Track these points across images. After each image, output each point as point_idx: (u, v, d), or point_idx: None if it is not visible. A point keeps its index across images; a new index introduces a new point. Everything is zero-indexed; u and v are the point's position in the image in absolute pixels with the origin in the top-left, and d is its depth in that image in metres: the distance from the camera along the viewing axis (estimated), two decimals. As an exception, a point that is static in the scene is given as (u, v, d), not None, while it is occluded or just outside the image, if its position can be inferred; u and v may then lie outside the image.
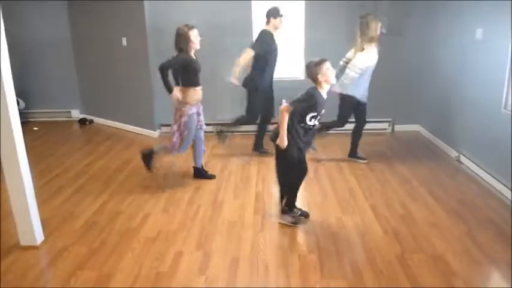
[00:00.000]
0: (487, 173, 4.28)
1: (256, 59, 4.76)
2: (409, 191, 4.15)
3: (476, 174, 4.47)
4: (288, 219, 3.54)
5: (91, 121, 7.04)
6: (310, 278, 2.85)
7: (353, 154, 4.91)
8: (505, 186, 3.97)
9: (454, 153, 4.97)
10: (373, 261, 3.01)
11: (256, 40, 4.85)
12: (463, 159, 4.77)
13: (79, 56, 6.87)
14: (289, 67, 5.98)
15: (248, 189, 4.30)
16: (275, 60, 4.95)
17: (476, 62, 4.49)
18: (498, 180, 4.09)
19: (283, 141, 3.28)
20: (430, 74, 5.62)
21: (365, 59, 4.45)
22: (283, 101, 3.28)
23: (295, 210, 3.60)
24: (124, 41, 6.08)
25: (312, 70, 3.27)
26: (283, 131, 3.26)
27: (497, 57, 4.09)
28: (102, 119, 6.97)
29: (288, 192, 3.61)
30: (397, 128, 6.12)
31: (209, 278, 2.86)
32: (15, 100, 3.07)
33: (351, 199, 4.02)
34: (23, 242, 3.27)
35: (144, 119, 6.27)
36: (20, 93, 6.58)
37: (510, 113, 3.92)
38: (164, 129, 6.17)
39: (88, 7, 6.33)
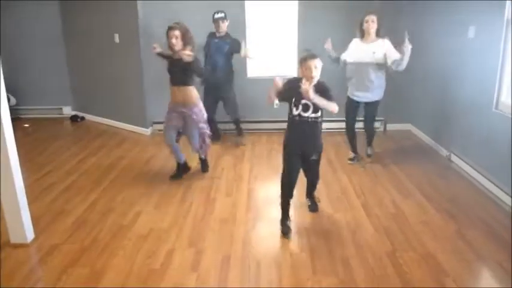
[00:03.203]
0: (478, 172, 4.31)
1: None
2: (401, 190, 4.17)
3: (467, 173, 4.50)
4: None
5: (82, 118, 6.99)
6: (302, 275, 2.86)
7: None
8: (495, 185, 4.00)
9: (445, 152, 5.01)
10: (364, 259, 3.02)
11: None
12: (454, 158, 4.81)
13: (71, 52, 6.82)
14: (282, 66, 5.99)
15: (240, 186, 4.30)
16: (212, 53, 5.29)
17: (468, 61, 4.51)
18: (489, 180, 4.12)
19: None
20: (422, 73, 5.64)
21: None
22: (277, 77, 3.27)
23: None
24: (116, 38, 6.05)
25: (300, 60, 3.23)
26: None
27: (489, 56, 4.12)
28: (94, 116, 6.92)
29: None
30: (389, 127, 6.14)
31: (201, 276, 2.86)
32: (6, 96, 3.05)
33: (343, 197, 4.03)
34: (14, 239, 3.25)
35: (136, 117, 6.25)
36: (11, 90, 6.54)
37: (501, 112, 3.95)
38: (156, 126, 6.15)
39: (80, 3, 6.28)
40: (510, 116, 3.78)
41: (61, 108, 7.18)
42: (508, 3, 3.82)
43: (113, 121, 6.62)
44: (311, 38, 5.85)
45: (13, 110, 6.67)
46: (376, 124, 5.75)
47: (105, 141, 5.87)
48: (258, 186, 4.35)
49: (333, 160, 4.97)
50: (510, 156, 3.71)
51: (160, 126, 6.09)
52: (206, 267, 2.96)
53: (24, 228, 3.24)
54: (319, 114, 3.26)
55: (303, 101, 3.21)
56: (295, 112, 3.27)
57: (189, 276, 2.86)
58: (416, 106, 5.91)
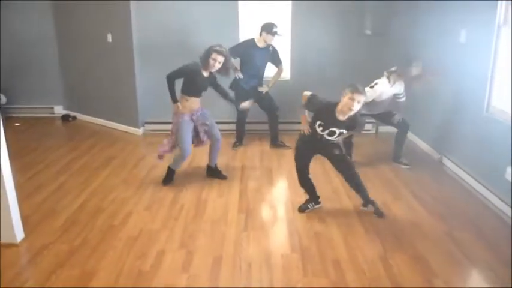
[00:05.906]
0: (469, 174, 4.34)
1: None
2: (392, 192, 4.18)
3: (457, 175, 4.53)
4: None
5: (74, 117, 6.93)
6: (293, 277, 2.86)
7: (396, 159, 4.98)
8: (486, 187, 4.02)
9: (436, 155, 5.03)
10: (356, 260, 3.03)
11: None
12: (445, 160, 4.84)
13: (63, 51, 6.77)
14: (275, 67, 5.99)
15: (232, 187, 4.29)
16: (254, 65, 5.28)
17: (460, 64, 4.54)
18: (479, 182, 4.14)
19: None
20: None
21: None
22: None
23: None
24: (109, 37, 6.02)
25: (348, 87, 3.35)
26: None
27: (480, 60, 4.14)
28: (85, 116, 6.87)
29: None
30: (381, 129, 6.17)
31: (192, 277, 2.86)
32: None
33: (334, 199, 4.04)
34: (3, 239, 3.22)
35: (128, 117, 6.21)
36: (1, 88, 6.48)
37: (492, 116, 3.98)
38: (148, 126, 6.13)
39: (73, 2, 6.24)
40: (501, 120, 3.81)
41: (52, 108, 7.12)
42: (499, 4, 3.84)
43: (104, 121, 6.58)
44: (304, 39, 5.87)
45: (4, 109, 6.65)
46: (368, 126, 5.79)
47: (97, 141, 5.83)
48: (250, 187, 4.34)
49: (324, 162, 4.96)
50: (501, 160, 3.74)
51: (153, 126, 6.11)
52: (197, 268, 2.95)
53: (14, 228, 3.21)
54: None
55: (332, 128, 3.46)
56: (321, 132, 3.50)
57: (180, 277, 2.85)
58: (408, 109, 5.92)
